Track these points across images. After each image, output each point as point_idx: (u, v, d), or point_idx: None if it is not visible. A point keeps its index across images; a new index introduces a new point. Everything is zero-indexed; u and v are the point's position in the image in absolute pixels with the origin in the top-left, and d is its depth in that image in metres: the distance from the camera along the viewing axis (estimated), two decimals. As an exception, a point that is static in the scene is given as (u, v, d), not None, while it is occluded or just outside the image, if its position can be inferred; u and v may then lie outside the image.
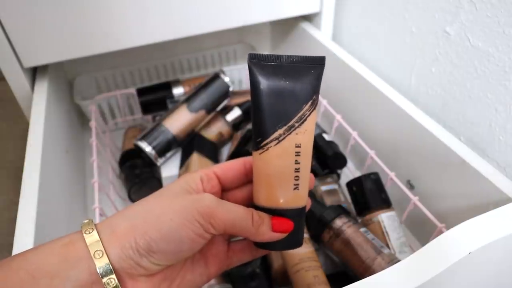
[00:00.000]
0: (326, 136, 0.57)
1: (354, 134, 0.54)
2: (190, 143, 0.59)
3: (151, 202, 0.27)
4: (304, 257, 0.41)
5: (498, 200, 0.39)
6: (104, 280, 0.24)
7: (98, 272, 0.24)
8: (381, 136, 0.55)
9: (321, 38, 0.66)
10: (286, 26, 0.76)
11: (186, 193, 0.28)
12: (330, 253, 0.44)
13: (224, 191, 0.32)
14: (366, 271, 0.39)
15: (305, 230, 0.46)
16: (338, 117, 0.57)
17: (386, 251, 0.40)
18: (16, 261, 0.24)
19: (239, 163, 0.31)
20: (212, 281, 0.42)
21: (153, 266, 0.25)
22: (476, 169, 0.41)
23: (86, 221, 0.26)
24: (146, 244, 0.25)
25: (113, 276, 0.24)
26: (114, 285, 0.24)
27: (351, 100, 0.61)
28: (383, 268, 0.31)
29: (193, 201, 0.26)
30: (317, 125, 0.60)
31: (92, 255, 0.24)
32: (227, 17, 0.60)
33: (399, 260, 0.37)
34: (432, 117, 0.48)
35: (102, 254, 0.24)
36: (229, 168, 0.31)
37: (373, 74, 0.56)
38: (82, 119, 0.73)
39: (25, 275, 0.23)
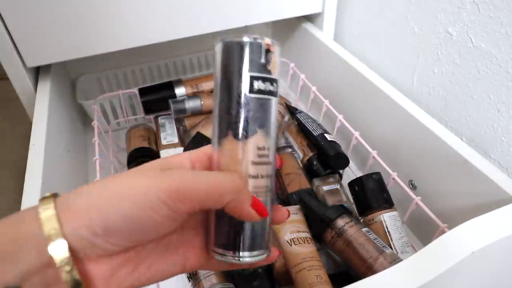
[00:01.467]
0: (328, 136, 0.57)
1: (356, 134, 0.54)
2: (191, 143, 0.59)
3: (115, 178, 0.24)
4: (306, 256, 0.41)
5: (500, 200, 0.39)
6: (57, 262, 0.21)
7: (50, 254, 0.21)
8: (383, 136, 0.55)
9: (323, 38, 0.66)
10: (288, 27, 0.76)
11: (160, 170, 0.25)
12: (332, 253, 0.45)
13: None
14: (368, 271, 0.39)
15: (308, 229, 0.47)
16: (340, 117, 0.57)
17: (388, 251, 0.40)
18: None
19: None
20: (214, 280, 0.42)
21: (111, 247, 0.23)
22: (478, 168, 0.41)
23: (47, 195, 0.23)
24: (103, 223, 0.22)
25: (68, 258, 0.21)
26: (69, 268, 0.21)
27: (353, 100, 0.61)
28: (385, 268, 0.31)
29: (159, 178, 0.23)
30: (319, 125, 0.60)
31: (45, 235, 0.21)
32: (229, 18, 0.60)
33: (401, 260, 0.37)
34: (434, 118, 0.48)
35: (55, 234, 0.21)
36: None
37: (375, 74, 0.56)
38: (84, 118, 0.73)
39: None
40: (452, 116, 0.51)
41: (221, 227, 0.27)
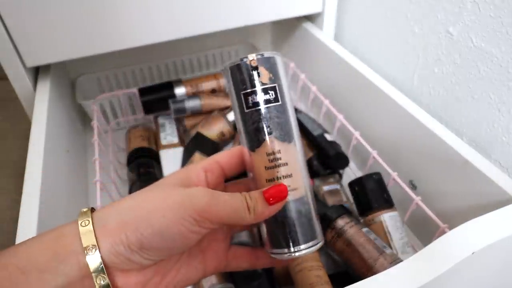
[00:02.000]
0: (328, 136, 0.57)
1: (356, 134, 0.53)
2: (191, 143, 0.59)
3: (145, 196, 0.27)
4: (306, 256, 0.41)
5: (501, 200, 0.38)
6: (94, 275, 0.24)
7: (90, 267, 0.24)
8: (383, 136, 0.55)
9: (323, 38, 0.66)
10: (288, 26, 0.76)
11: (183, 186, 0.27)
12: (332, 253, 0.44)
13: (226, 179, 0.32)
14: (368, 271, 0.39)
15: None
16: (340, 117, 0.57)
17: (388, 251, 0.40)
18: (5, 256, 0.23)
19: (240, 149, 0.31)
20: (214, 281, 0.42)
21: (145, 261, 0.25)
22: (479, 169, 0.41)
23: (84, 210, 0.26)
24: (138, 241, 0.24)
25: (104, 273, 0.24)
26: (105, 281, 0.24)
27: (353, 100, 0.61)
28: (385, 268, 0.31)
29: (187, 197, 0.26)
30: (319, 125, 0.60)
31: (84, 249, 0.24)
32: (229, 17, 0.60)
33: (401, 260, 0.37)
34: (434, 117, 0.48)
35: (94, 249, 0.24)
36: (231, 155, 0.31)
37: (376, 74, 0.56)
38: (84, 118, 0.73)
39: (15, 270, 0.23)
40: (453, 116, 0.51)
41: (271, 229, 0.29)
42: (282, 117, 0.28)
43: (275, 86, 0.28)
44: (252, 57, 0.28)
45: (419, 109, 0.49)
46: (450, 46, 0.49)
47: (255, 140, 0.28)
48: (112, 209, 0.26)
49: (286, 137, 0.28)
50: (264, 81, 0.28)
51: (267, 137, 0.28)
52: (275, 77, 0.28)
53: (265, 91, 0.28)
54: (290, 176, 0.28)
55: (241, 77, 0.28)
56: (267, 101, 0.28)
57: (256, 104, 0.28)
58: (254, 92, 0.28)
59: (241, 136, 0.29)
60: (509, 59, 0.42)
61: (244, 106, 0.28)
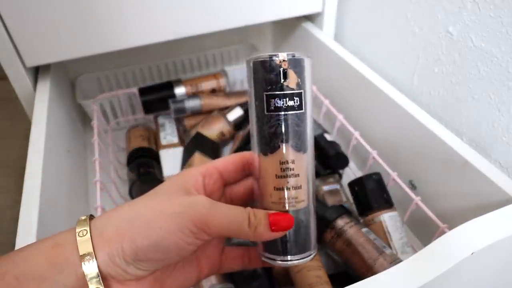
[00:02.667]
0: (328, 136, 0.57)
1: (356, 134, 0.53)
2: (191, 142, 0.59)
3: (144, 204, 0.26)
4: (306, 257, 0.41)
5: (500, 200, 0.38)
6: (91, 285, 0.24)
7: (86, 278, 0.23)
8: (383, 136, 0.55)
9: (323, 38, 0.66)
10: (288, 26, 0.76)
11: (182, 194, 0.27)
12: (332, 253, 0.45)
13: (225, 185, 0.31)
14: (368, 271, 0.39)
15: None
16: (340, 117, 0.57)
17: (388, 251, 0.40)
18: (2, 264, 0.23)
19: (240, 156, 0.31)
20: (214, 281, 0.42)
21: (140, 272, 0.25)
22: (478, 169, 0.41)
23: (83, 218, 0.26)
24: (133, 252, 0.24)
25: (101, 283, 0.24)
26: None
27: (353, 100, 0.61)
28: (385, 268, 0.31)
29: (186, 207, 0.25)
30: (319, 125, 0.60)
31: (82, 260, 0.24)
32: (229, 17, 0.60)
33: (401, 261, 0.37)
34: (434, 117, 0.48)
35: (91, 259, 0.24)
36: (230, 162, 0.30)
37: (375, 74, 0.56)
38: (84, 118, 0.73)
39: (12, 279, 0.23)
40: (453, 116, 0.51)
41: None
42: (302, 126, 0.27)
43: (301, 93, 0.26)
44: (283, 57, 0.26)
45: (419, 109, 0.49)
46: (450, 46, 0.49)
47: (270, 145, 0.27)
48: (110, 217, 0.26)
49: (301, 147, 0.27)
50: (291, 86, 0.26)
51: (283, 145, 0.27)
52: (302, 83, 0.26)
53: (291, 96, 0.26)
54: (299, 188, 0.27)
55: (266, 76, 0.26)
56: (290, 108, 0.26)
57: (279, 108, 0.26)
58: (279, 96, 0.26)
59: (253, 137, 0.28)
60: (509, 59, 0.42)
61: (265, 107, 0.26)
